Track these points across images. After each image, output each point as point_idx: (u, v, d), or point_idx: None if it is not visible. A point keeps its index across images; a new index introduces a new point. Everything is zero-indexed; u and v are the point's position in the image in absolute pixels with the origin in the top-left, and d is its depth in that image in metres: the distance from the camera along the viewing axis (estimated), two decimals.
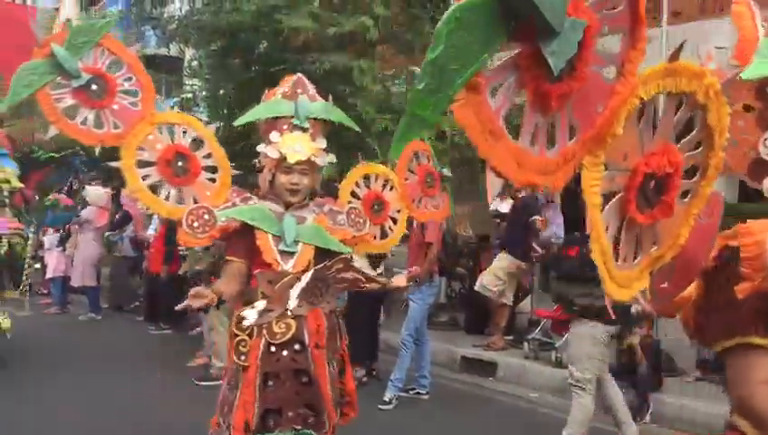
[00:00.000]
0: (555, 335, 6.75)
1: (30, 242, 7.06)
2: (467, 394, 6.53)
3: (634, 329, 5.88)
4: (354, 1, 8.69)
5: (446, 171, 3.79)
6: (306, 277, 2.75)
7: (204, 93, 10.19)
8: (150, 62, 9.89)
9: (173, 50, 10.69)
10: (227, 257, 2.89)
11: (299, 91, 2.85)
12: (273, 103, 2.85)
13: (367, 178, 3.55)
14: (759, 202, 1.93)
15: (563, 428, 4.60)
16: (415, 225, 5.56)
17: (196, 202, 2.99)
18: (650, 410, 5.56)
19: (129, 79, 2.97)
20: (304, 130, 2.80)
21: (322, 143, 2.85)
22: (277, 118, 2.81)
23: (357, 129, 3.37)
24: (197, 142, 3.10)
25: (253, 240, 2.79)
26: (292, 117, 2.79)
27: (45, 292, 10.58)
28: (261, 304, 2.74)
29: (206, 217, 2.84)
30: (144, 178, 2.96)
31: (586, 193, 1.52)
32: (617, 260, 1.61)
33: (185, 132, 3.05)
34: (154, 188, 3.02)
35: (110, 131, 2.90)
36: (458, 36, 1.24)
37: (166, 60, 12.07)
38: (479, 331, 7.82)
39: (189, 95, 10.72)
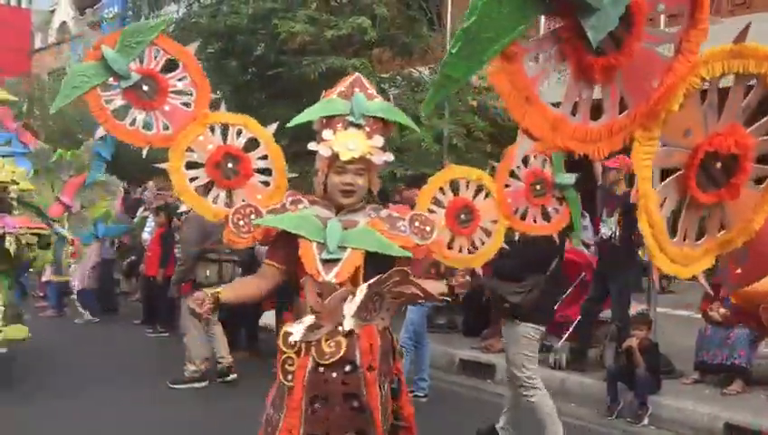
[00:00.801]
0: (552, 337, 6.74)
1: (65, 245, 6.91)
2: (466, 396, 6.52)
3: (632, 331, 5.89)
4: (353, 2, 8.67)
5: (566, 178, 3.19)
6: (361, 292, 2.46)
7: None
8: None
9: None
10: (265, 261, 2.75)
11: (356, 89, 2.68)
12: (328, 102, 2.68)
13: (455, 183, 3.16)
14: None
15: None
16: None
17: None
18: (649, 413, 5.56)
19: (184, 78, 2.91)
20: (359, 127, 2.61)
21: (379, 142, 2.63)
22: (332, 117, 2.63)
23: (417, 130, 3.18)
24: (253, 143, 2.94)
25: (296, 248, 2.57)
26: (348, 114, 2.62)
27: (42, 295, 10.54)
28: (309, 320, 2.53)
29: (253, 216, 2.68)
30: (192, 180, 2.86)
31: (636, 165, 1.53)
32: (673, 236, 1.61)
33: (239, 133, 2.93)
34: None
35: (159, 133, 2.82)
36: (492, 8, 1.29)
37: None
38: (477, 333, 7.80)
39: None
